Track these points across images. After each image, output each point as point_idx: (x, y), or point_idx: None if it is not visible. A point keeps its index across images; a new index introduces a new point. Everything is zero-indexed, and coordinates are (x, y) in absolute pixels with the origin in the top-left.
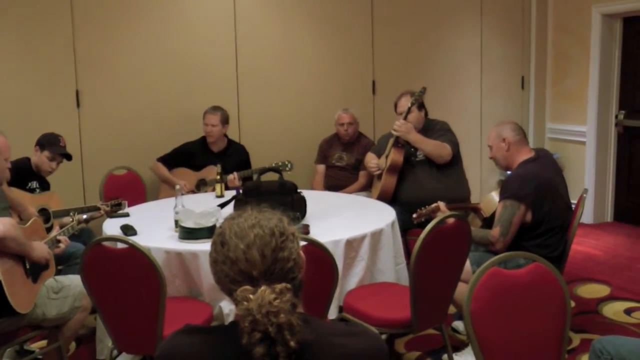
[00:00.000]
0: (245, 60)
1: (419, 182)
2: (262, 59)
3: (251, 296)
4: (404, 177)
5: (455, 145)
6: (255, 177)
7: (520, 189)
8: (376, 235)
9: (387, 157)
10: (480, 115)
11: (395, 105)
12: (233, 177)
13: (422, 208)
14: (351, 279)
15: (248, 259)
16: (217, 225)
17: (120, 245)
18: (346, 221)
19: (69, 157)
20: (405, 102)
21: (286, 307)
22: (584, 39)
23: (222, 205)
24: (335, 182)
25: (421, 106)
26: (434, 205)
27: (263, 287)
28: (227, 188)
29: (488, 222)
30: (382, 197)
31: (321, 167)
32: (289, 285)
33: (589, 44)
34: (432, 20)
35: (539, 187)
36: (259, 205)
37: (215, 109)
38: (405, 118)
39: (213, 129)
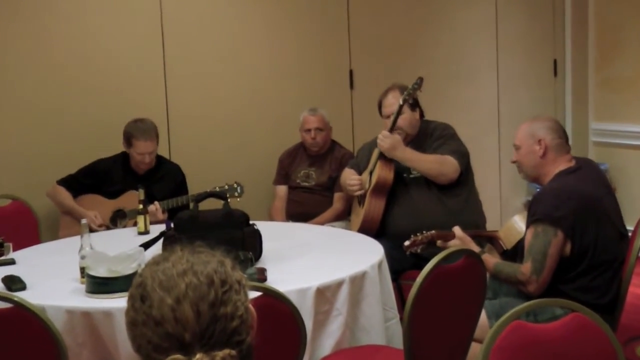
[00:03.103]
0: (175, 47)
1: (415, 207)
2: (199, 45)
3: None
4: (395, 201)
5: (462, 156)
6: (191, 205)
7: (556, 209)
8: (358, 281)
9: (371, 173)
10: (497, 114)
11: (380, 105)
12: (155, 208)
13: (419, 234)
14: (325, 341)
15: (178, 317)
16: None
17: (1, 305)
18: (316, 262)
19: None
20: (393, 101)
21: None
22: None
23: (147, 245)
24: (302, 208)
25: (415, 104)
26: (446, 231)
27: (199, 356)
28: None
29: (509, 257)
30: (365, 228)
31: (282, 189)
32: (233, 352)
33: None
34: None
35: (581, 208)
36: (194, 244)
37: (146, 130)
38: (394, 122)
39: (149, 157)
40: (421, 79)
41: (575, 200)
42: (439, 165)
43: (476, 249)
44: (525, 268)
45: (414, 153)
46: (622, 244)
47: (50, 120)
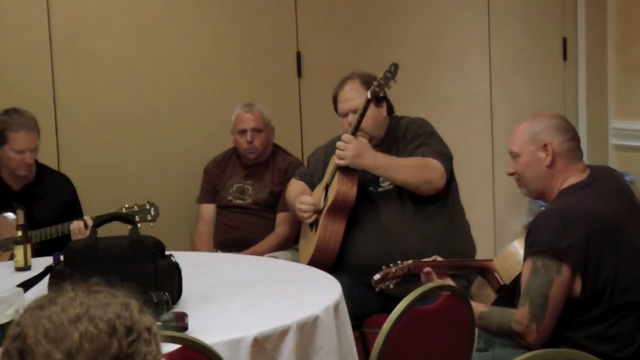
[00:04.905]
0: (64, 23)
1: (384, 231)
2: (99, 23)
3: None
4: (357, 223)
5: (447, 159)
6: (88, 231)
7: (561, 237)
8: (307, 329)
9: (327, 188)
10: (489, 110)
11: (335, 100)
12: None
13: (392, 265)
14: None
15: None
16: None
17: None
18: (254, 305)
19: None
20: (352, 94)
21: None
22: None
23: (28, 285)
24: (235, 234)
25: (381, 98)
26: (425, 260)
27: None
28: (36, 253)
29: (507, 294)
30: (318, 260)
31: (208, 210)
32: None
33: None
34: None
35: (595, 235)
36: (89, 282)
37: (25, 121)
38: (358, 123)
39: (31, 156)
40: (395, 66)
41: (586, 225)
42: (421, 171)
43: None
44: (521, 315)
45: (387, 158)
46: None
47: None
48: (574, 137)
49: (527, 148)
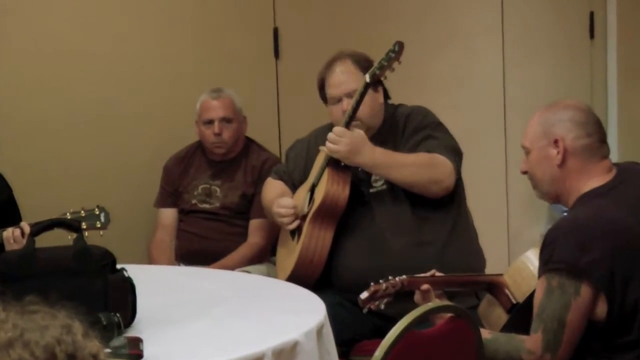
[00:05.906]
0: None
1: (376, 241)
2: (35, 10)
3: None
4: (345, 232)
5: (457, 155)
6: (25, 239)
7: (581, 253)
8: (285, 356)
9: (312, 189)
10: (502, 98)
11: (322, 85)
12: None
13: (383, 281)
14: None
15: None
16: None
17: None
18: (221, 328)
19: None
20: (344, 77)
21: None
22: None
23: None
24: (200, 244)
25: (378, 82)
26: (422, 275)
27: None
28: None
29: (521, 316)
30: (300, 275)
31: (168, 215)
32: None
33: None
34: None
35: (621, 249)
36: (24, 300)
37: None
38: (354, 111)
39: None
40: (400, 45)
41: (611, 238)
42: (428, 168)
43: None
44: (533, 342)
45: (388, 154)
46: None
47: None
48: (596, 132)
49: (538, 143)
